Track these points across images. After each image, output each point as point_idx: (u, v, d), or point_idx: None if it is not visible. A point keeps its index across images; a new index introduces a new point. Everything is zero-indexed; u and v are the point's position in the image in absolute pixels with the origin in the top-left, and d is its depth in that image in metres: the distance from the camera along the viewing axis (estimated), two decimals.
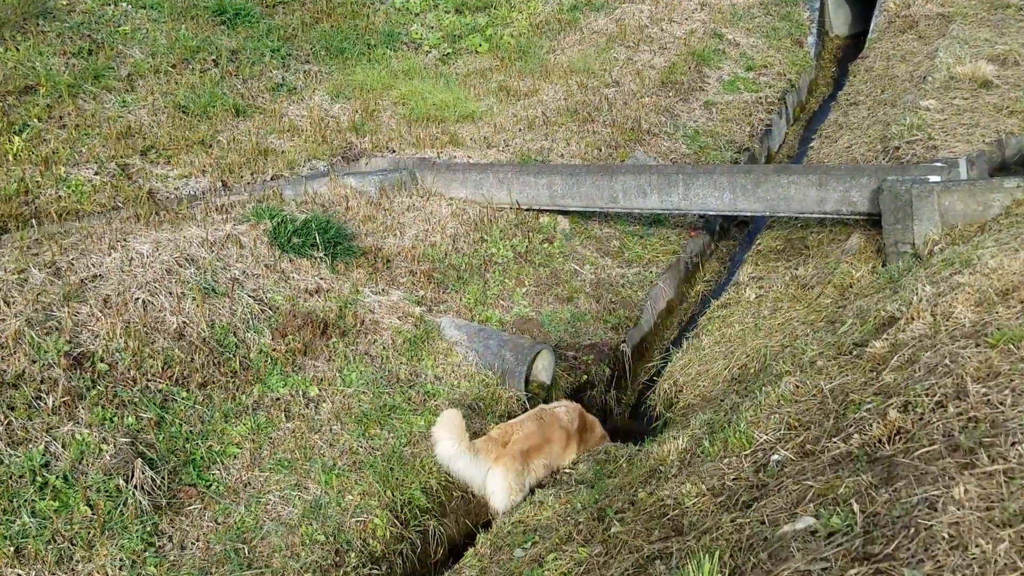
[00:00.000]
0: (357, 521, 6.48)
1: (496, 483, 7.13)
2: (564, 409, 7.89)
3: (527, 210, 11.42)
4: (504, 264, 10.66)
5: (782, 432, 5.32)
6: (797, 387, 5.90)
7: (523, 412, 8.52)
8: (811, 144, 13.49)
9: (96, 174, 10.84)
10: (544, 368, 9.04)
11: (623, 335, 10.04)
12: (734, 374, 8.18)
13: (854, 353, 6.08)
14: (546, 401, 9.00)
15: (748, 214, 10.20)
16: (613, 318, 10.18)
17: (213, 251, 8.93)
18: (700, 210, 10.32)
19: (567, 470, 7.40)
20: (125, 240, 8.84)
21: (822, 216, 9.49)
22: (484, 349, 8.83)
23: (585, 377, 9.41)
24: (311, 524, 6.41)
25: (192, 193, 11.11)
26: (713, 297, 10.77)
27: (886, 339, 5.84)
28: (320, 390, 7.95)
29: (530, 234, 11.17)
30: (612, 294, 10.57)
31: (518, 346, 8.68)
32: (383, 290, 9.57)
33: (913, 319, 5.87)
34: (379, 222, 10.68)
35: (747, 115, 15.11)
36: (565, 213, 11.53)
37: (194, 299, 8.19)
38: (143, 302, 8.02)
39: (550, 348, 8.87)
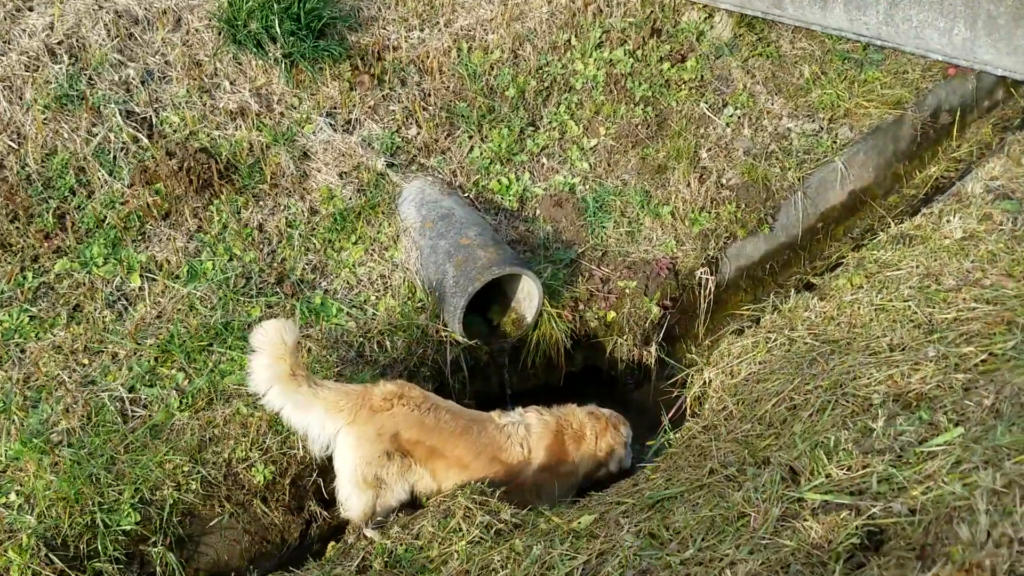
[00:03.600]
0: None
1: (346, 455, 4.41)
2: (524, 433, 4.73)
3: None
4: (584, 92, 6.76)
5: None
6: None
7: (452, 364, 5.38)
8: None
9: None
10: (527, 297, 5.57)
11: (715, 249, 6.00)
12: (788, 400, 4.23)
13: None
14: (518, 348, 5.65)
15: (993, 72, 5.16)
16: (709, 217, 6.09)
17: (119, 34, 6.31)
18: (913, 48, 5.45)
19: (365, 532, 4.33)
20: (30, 7, 6.51)
21: None
22: (430, 251, 5.53)
23: (611, 315, 5.75)
24: None
25: None
26: (924, 202, 6.11)
27: None
28: (146, 283, 5.40)
29: (651, 42, 6.96)
30: (743, 170, 6.32)
31: (470, 260, 5.26)
32: (353, 121, 6.40)
33: None
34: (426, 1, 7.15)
35: None
36: (729, 13, 7.02)
37: (39, 112, 5.81)
38: None
39: (532, 272, 5.31)
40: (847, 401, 3.91)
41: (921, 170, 6.83)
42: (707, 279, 5.90)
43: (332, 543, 4.37)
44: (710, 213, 6.08)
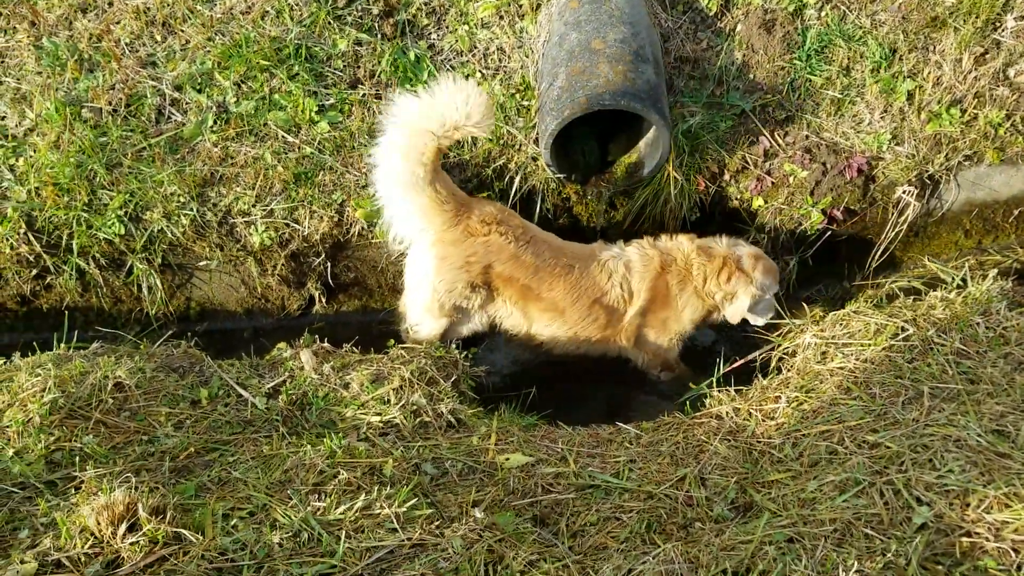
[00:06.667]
0: None
1: (425, 273, 3.88)
2: (625, 271, 3.99)
3: None
4: None
5: None
6: None
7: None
8: None
9: None
10: (652, 144, 4.29)
11: (942, 165, 4.24)
12: (837, 438, 3.01)
13: None
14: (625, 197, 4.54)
15: None
16: (958, 119, 4.23)
17: None
18: None
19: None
20: None
21: None
22: (557, 43, 4.30)
23: (758, 202, 4.37)
24: None
25: None
26: None
27: None
28: None
29: None
30: None
31: (586, 74, 4.00)
32: None
33: None
34: None
35: None
36: None
37: None
38: None
39: (659, 115, 3.97)
40: (882, 493, 2.61)
41: None
42: (909, 203, 4.23)
43: (281, 344, 3.87)
44: (963, 113, 4.22)
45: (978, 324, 3.40)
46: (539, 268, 3.84)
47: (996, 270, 3.86)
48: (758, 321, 4.08)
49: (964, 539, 2.40)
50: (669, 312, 4.03)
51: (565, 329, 4.00)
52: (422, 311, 3.96)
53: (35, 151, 4.19)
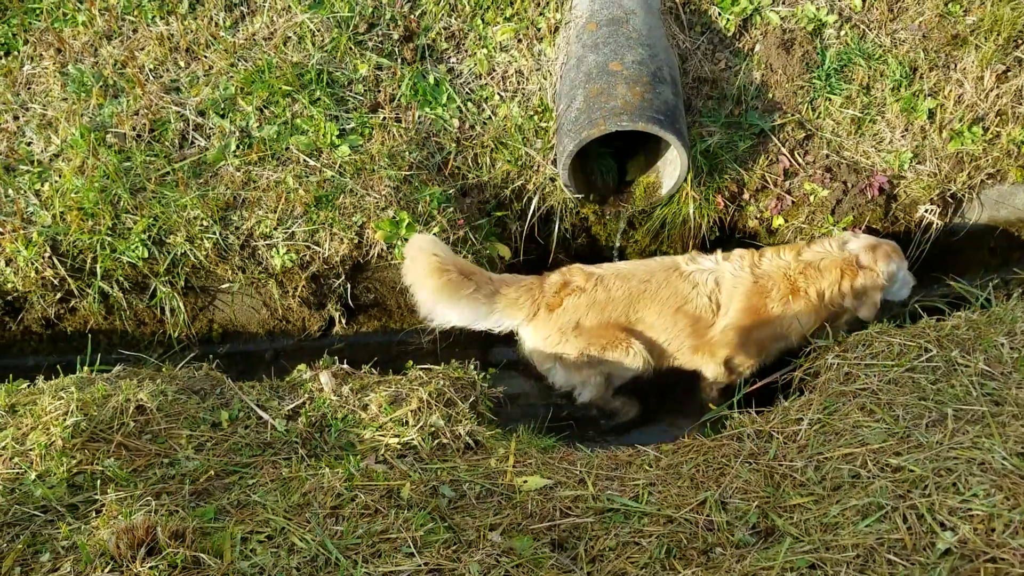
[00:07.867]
0: None
1: (534, 346, 4.03)
2: (714, 286, 3.91)
3: None
4: None
5: None
6: None
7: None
8: None
9: None
10: (670, 164, 4.29)
11: (965, 184, 4.20)
12: (860, 462, 2.96)
13: None
14: (642, 218, 4.53)
15: None
16: (980, 137, 4.19)
17: None
18: None
19: None
20: None
21: None
22: (575, 65, 4.33)
23: (778, 221, 4.34)
24: None
25: None
26: None
27: None
28: None
29: None
30: None
31: (604, 95, 4.02)
32: None
33: None
34: None
35: None
36: None
37: None
38: None
39: (676, 136, 3.97)
40: (905, 518, 2.57)
41: None
42: (932, 222, 4.19)
43: (301, 365, 3.88)
44: (985, 131, 4.18)
45: (1002, 345, 3.35)
46: (615, 300, 3.86)
47: (1021, 289, 3.81)
48: (902, 295, 4.00)
49: (989, 565, 2.35)
50: (770, 331, 3.93)
51: (657, 346, 3.99)
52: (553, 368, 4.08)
53: (60, 176, 4.25)
